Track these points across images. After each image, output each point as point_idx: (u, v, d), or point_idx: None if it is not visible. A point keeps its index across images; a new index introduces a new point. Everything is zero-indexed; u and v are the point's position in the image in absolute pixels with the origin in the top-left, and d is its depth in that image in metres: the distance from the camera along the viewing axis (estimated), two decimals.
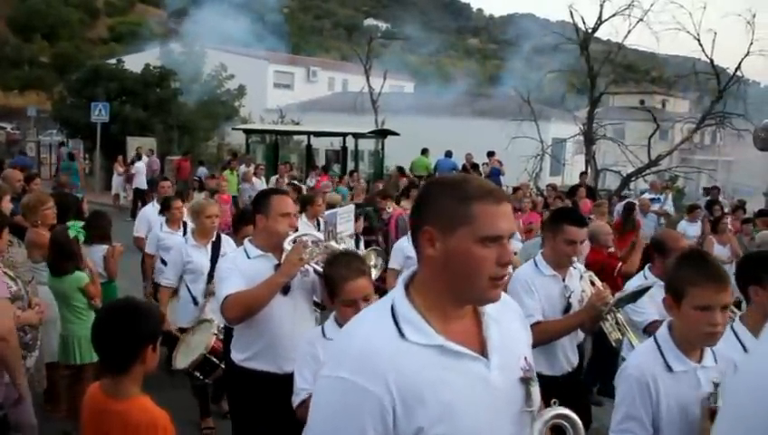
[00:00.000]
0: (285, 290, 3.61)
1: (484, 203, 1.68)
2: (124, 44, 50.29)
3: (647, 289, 3.94)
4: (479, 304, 1.78)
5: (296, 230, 3.85)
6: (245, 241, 3.88)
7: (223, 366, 4.74)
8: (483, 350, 1.73)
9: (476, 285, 1.69)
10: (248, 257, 3.72)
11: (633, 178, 19.11)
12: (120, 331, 2.51)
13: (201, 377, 5.05)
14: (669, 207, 14.39)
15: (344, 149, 21.52)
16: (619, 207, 12.11)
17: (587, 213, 11.82)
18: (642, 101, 20.31)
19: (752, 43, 17.45)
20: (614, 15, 18.98)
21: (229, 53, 35.97)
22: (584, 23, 19.30)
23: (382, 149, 21.26)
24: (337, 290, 3.05)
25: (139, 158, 20.56)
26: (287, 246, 3.63)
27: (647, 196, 14.42)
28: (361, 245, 7.51)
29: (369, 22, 40.14)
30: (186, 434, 5.18)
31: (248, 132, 22.06)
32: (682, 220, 12.31)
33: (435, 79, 43.82)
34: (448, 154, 19.39)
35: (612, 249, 7.34)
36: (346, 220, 4.03)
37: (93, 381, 2.77)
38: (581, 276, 4.08)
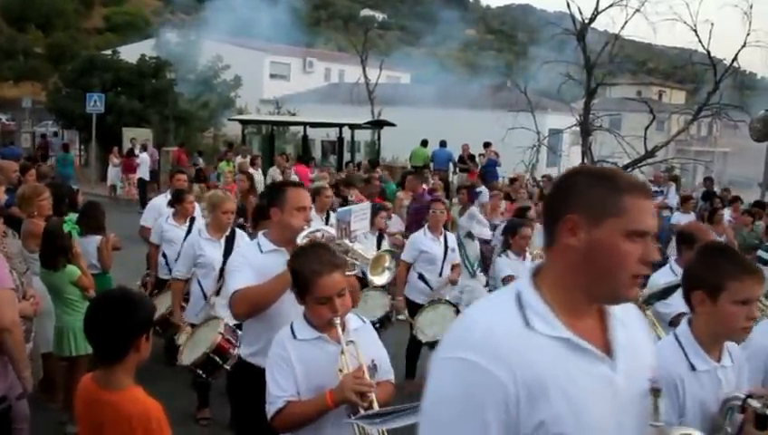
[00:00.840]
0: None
1: (636, 196, 1.63)
2: (120, 34, 50.06)
3: (679, 285, 3.89)
4: (614, 302, 1.70)
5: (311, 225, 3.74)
6: (259, 234, 3.80)
7: (227, 367, 4.74)
8: (608, 351, 1.65)
9: (617, 280, 1.62)
10: (261, 251, 3.62)
11: (629, 170, 19.10)
12: (114, 321, 2.51)
13: (203, 375, 4.98)
14: (672, 199, 14.31)
15: (340, 139, 21.52)
16: None
17: None
18: (639, 92, 20.28)
19: (748, 34, 17.42)
20: (611, 6, 18.92)
21: (225, 43, 35.83)
22: (581, 13, 19.24)
23: (378, 139, 21.25)
24: (309, 287, 2.82)
25: (144, 149, 20.54)
26: (300, 241, 3.49)
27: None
28: (384, 243, 7.42)
29: (366, 12, 39.95)
30: (182, 427, 5.23)
31: (244, 123, 22.01)
32: (676, 211, 12.33)
33: (431, 69, 43.71)
34: (443, 144, 19.38)
35: None
36: (361, 218, 3.80)
37: (88, 373, 2.76)
38: None
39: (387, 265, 3.50)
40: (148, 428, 2.45)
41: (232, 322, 4.94)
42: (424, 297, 6.59)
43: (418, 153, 19.42)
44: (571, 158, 24.09)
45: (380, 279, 3.57)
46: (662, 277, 4.29)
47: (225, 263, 5.11)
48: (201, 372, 4.95)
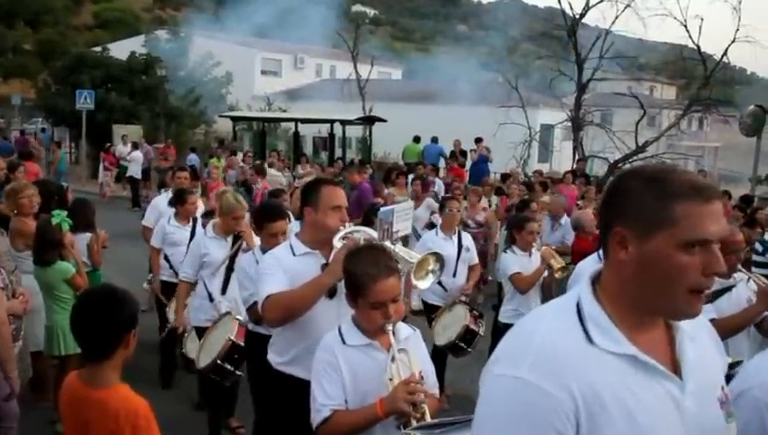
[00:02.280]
0: (331, 292, 3.24)
1: (690, 202, 1.45)
2: (109, 31, 49.79)
3: (728, 289, 3.85)
4: (673, 319, 1.57)
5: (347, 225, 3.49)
6: (292, 236, 3.57)
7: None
8: (675, 369, 1.52)
9: (674, 296, 1.47)
10: (293, 254, 3.40)
11: (620, 165, 19.17)
12: (103, 318, 2.49)
13: (232, 368, 4.67)
14: None
15: (332, 136, 21.47)
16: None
17: (573, 199, 11.86)
18: (630, 88, 20.32)
19: (738, 30, 17.49)
20: (601, 1, 18.97)
21: (216, 40, 35.69)
22: (572, 8, 19.28)
23: (370, 135, 21.22)
24: (363, 290, 2.67)
25: (135, 147, 20.42)
26: (337, 243, 3.27)
27: None
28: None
29: (357, 8, 39.93)
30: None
31: (235, 120, 21.95)
32: None
33: (422, 65, 43.69)
34: (434, 140, 19.38)
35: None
36: (403, 218, 3.63)
37: (73, 371, 2.74)
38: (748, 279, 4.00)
39: (431, 268, 3.31)
40: (136, 425, 2.43)
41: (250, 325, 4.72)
42: (439, 299, 6.36)
43: (411, 149, 19.40)
44: (563, 153, 24.16)
45: (424, 283, 3.35)
46: None
47: (231, 262, 5.18)
48: (229, 365, 4.67)
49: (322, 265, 3.31)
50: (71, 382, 2.62)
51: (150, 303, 7.54)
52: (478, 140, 18.84)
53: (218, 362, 4.61)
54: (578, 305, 1.53)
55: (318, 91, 34.26)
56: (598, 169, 20.51)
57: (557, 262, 5.68)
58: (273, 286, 3.23)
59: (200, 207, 7.04)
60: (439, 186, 12.51)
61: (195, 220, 6.68)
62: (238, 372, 4.69)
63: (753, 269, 7.05)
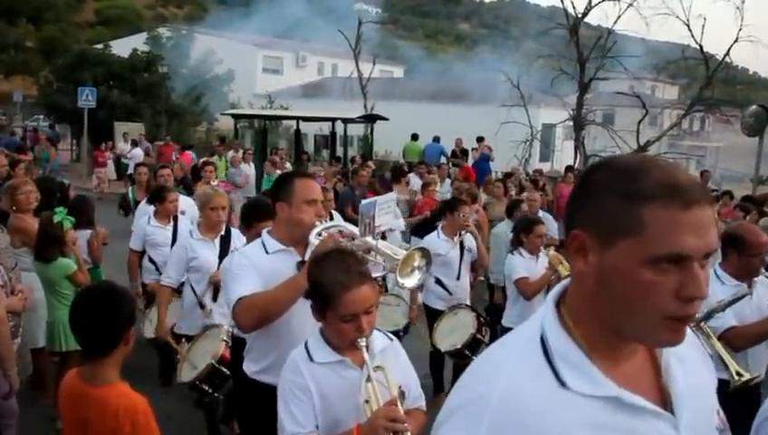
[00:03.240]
0: (308, 293, 2.97)
1: (663, 206, 1.15)
2: (111, 28, 49.82)
3: (742, 297, 3.72)
4: (648, 346, 1.29)
5: (323, 220, 3.27)
6: (264, 232, 3.32)
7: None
8: (664, 401, 1.26)
9: (644, 322, 1.18)
10: (266, 252, 3.16)
11: None
12: (103, 315, 2.49)
13: (210, 391, 4.47)
14: None
15: (333, 134, 21.43)
16: None
17: None
18: (632, 87, 20.31)
19: (741, 29, 17.47)
20: (604, 0, 18.96)
21: (218, 37, 35.73)
22: (574, 8, 19.27)
23: (371, 134, 21.18)
24: (332, 302, 2.38)
25: (135, 144, 20.39)
26: (314, 239, 3.06)
27: None
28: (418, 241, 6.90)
29: (360, 6, 39.91)
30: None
31: (237, 117, 21.92)
32: None
33: (424, 64, 43.69)
34: (436, 139, 19.37)
35: None
36: (385, 212, 3.22)
37: (72, 369, 2.73)
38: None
39: (417, 264, 2.99)
40: (136, 421, 2.42)
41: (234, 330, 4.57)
42: (443, 303, 6.14)
43: (412, 148, 19.38)
44: (564, 152, 24.15)
45: (411, 281, 3.01)
46: (717, 288, 3.81)
47: (220, 266, 4.84)
48: (207, 387, 4.44)
49: (298, 262, 3.11)
50: (70, 380, 2.61)
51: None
52: (480, 139, 18.84)
53: (197, 383, 4.42)
54: (542, 338, 1.25)
55: (320, 89, 34.28)
56: None
57: (565, 268, 5.40)
58: (246, 287, 2.99)
59: (180, 205, 6.69)
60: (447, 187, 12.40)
61: (176, 219, 6.43)
62: (217, 395, 4.48)
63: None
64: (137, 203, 8.03)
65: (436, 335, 5.93)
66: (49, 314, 5.25)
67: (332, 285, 2.38)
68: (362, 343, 2.40)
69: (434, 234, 6.36)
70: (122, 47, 28.94)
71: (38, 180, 6.64)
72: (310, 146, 24.47)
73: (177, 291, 5.73)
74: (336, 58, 40.05)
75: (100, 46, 29.16)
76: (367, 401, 2.38)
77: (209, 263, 5.03)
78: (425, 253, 3.03)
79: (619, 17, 20.42)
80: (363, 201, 3.24)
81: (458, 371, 5.95)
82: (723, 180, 26.21)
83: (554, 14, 21.88)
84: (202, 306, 5.05)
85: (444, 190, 12.00)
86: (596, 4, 19.02)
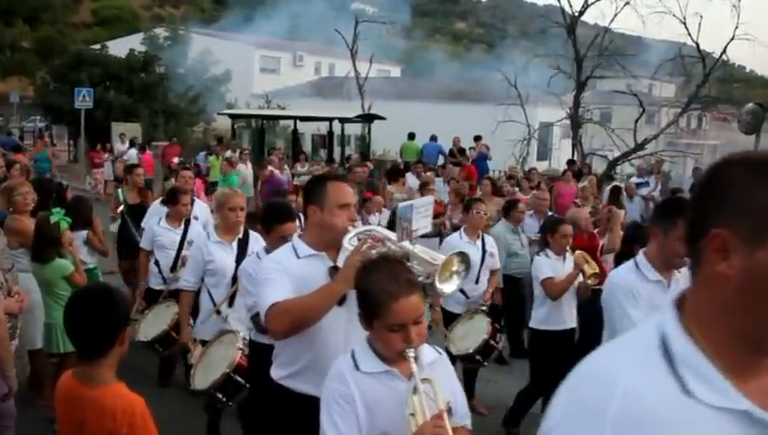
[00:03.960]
0: (341, 299, 2.92)
1: None
2: (108, 29, 49.75)
3: None
4: None
5: (356, 225, 3.16)
6: (294, 237, 3.25)
7: (248, 386, 4.34)
8: None
9: None
10: (297, 257, 3.07)
11: (619, 162, 19.18)
12: (98, 316, 2.47)
13: (224, 399, 4.42)
14: (658, 191, 14.36)
15: (330, 134, 21.44)
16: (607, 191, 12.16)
17: (572, 197, 11.88)
18: (629, 85, 20.34)
19: (737, 27, 17.50)
20: None
21: (215, 37, 35.70)
22: (571, 6, 19.29)
23: (369, 133, 21.19)
24: (381, 311, 2.32)
25: (132, 144, 20.34)
26: (347, 244, 2.97)
27: (634, 180, 14.44)
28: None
29: (357, 5, 39.89)
30: None
31: (234, 117, 21.93)
32: None
33: (422, 63, 43.69)
34: (433, 138, 19.38)
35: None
36: (423, 215, 3.09)
37: (68, 371, 2.72)
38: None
39: (455, 268, 2.89)
40: (133, 423, 2.41)
41: (248, 335, 4.52)
42: (461, 307, 6.02)
43: (410, 148, 19.38)
44: (562, 151, 24.16)
45: (450, 287, 2.91)
46: None
47: (237, 269, 4.77)
48: (221, 395, 4.40)
49: (330, 268, 3.03)
50: (66, 381, 2.60)
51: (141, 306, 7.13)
52: (477, 138, 18.86)
53: (211, 391, 4.38)
54: (663, 342, 1.16)
55: (317, 88, 34.27)
56: (597, 166, 20.52)
57: (590, 267, 5.38)
58: (278, 293, 2.89)
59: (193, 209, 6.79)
60: (438, 185, 12.45)
61: (187, 223, 6.34)
62: (230, 404, 4.46)
63: None
64: (128, 204, 8.01)
65: (450, 338, 5.85)
66: (46, 316, 5.25)
67: (380, 294, 2.32)
68: (411, 353, 2.32)
69: (456, 235, 6.24)
70: (119, 47, 28.91)
71: (35, 181, 6.63)
72: (307, 146, 24.46)
73: (174, 294, 5.74)
74: (333, 58, 40.04)
75: (96, 47, 29.12)
76: (412, 415, 2.29)
77: (226, 266, 4.93)
78: (463, 257, 2.94)
79: (615, 15, 20.52)
80: (400, 204, 3.15)
81: (468, 375, 5.89)
82: None
83: (551, 13, 21.88)
84: (218, 312, 4.94)
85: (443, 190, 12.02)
86: (592, 3, 19.05)
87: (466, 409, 2.54)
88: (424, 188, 10.34)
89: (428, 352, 2.48)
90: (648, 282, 3.41)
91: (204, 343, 4.85)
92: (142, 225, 7.22)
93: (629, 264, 3.54)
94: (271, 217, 4.27)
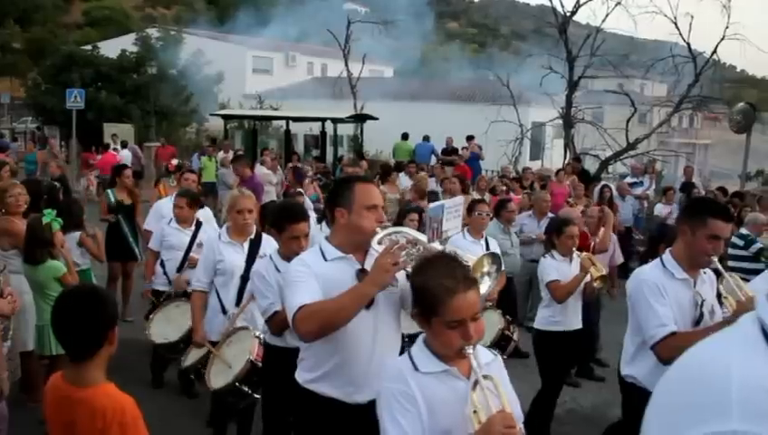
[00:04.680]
0: (368, 302, 2.91)
1: None
2: (100, 30, 49.57)
3: None
4: None
5: (384, 226, 3.10)
6: (321, 239, 3.21)
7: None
8: None
9: None
10: (325, 260, 3.04)
11: (611, 162, 19.25)
12: (87, 316, 2.47)
13: (249, 392, 4.35)
14: (650, 189, 14.39)
15: (323, 134, 21.43)
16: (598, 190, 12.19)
17: (565, 196, 11.90)
18: (621, 85, 20.42)
19: (727, 27, 17.57)
20: None
21: (207, 38, 35.63)
22: (563, 6, 19.35)
23: (361, 133, 21.19)
24: (439, 307, 2.29)
25: (124, 145, 20.24)
26: (375, 246, 2.93)
27: (628, 179, 14.47)
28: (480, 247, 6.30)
29: (349, 6, 39.91)
30: None
31: (227, 118, 21.89)
32: (658, 203, 12.43)
33: (414, 63, 43.71)
34: (426, 139, 19.41)
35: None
36: (454, 216, 3.16)
37: (57, 372, 2.72)
38: (722, 279, 3.57)
39: (486, 269, 2.82)
40: (123, 422, 2.41)
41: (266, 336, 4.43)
42: None
43: (402, 148, 19.40)
44: (554, 150, 24.22)
45: (482, 288, 2.77)
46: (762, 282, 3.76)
47: (247, 270, 4.75)
48: (247, 388, 4.34)
49: (357, 270, 3.01)
50: (55, 383, 2.59)
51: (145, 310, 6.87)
52: (470, 138, 18.89)
53: (237, 384, 4.31)
54: (765, 332, 1.20)
55: (309, 89, 34.25)
56: (590, 166, 20.58)
57: (597, 270, 5.33)
58: (306, 296, 2.86)
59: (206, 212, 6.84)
60: (431, 184, 12.49)
61: (199, 224, 6.31)
62: (256, 395, 4.39)
63: (731, 263, 7.12)
64: (119, 204, 8.12)
65: None
66: (38, 318, 5.23)
67: (438, 290, 2.30)
68: (470, 350, 2.31)
69: (459, 235, 6.08)
70: (111, 48, 28.82)
71: (26, 183, 6.60)
72: (300, 146, 24.45)
73: (165, 295, 5.75)
74: (325, 58, 40.04)
75: (88, 47, 29.02)
76: (475, 412, 2.25)
77: (235, 266, 4.88)
78: (495, 258, 2.90)
79: (607, 15, 20.55)
80: (431, 205, 3.19)
81: None
82: (712, 177, 26.37)
83: (543, 13, 21.94)
84: (224, 312, 4.90)
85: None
86: (584, 3, 19.08)
87: (520, 413, 2.47)
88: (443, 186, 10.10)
89: (485, 353, 2.49)
90: (674, 280, 3.42)
91: (213, 343, 4.79)
92: (145, 226, 7.29)
93: (656, 262, 3.53)
94: (283, 217, 4.17)
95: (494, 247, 6.17)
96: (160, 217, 6.85)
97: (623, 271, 8.24)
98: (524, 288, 8.36)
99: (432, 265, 2.44)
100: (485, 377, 2.30)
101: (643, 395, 3.22)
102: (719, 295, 3.66)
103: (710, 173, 30.15)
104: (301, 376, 3.14)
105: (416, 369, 2.35)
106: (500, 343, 5.55)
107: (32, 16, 51.90)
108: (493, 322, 5.67)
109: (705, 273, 3.52)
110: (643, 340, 3.43)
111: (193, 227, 6.23)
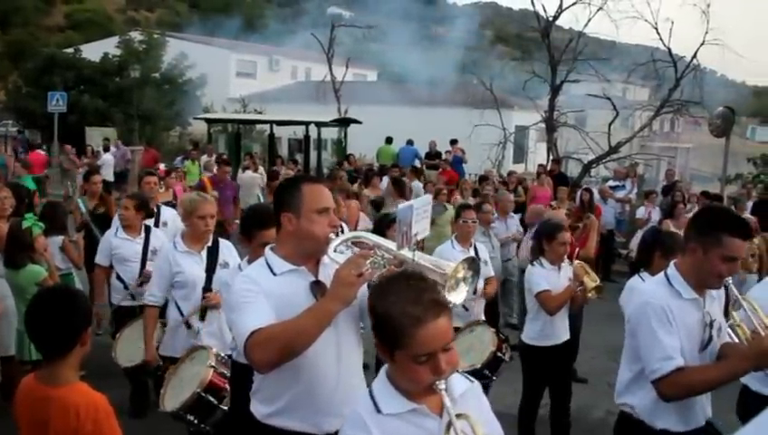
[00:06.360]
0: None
1: None
2: (82, 32, 49.20)
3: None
4: None
5: (338, 233, 2.73)
6: (267, 250, 2.82)
7: (223, 407, 4.00)
8: None
9: None
10: (273, 274, 2.67)
11: (594, 165, 19.39)
12: (60, 316, 2.48)
13: (196, 422, 4.02)
14: (632, 193, 14.52)
15: (307, 138, 21.43)
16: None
17: (547, 200, 11.98)
18: (604, 89, 20.59)
19: (707, 33, 17.79)
20: (574, 4, 19.18)
21: (190, 41, 35.49)
22: (545, 11, 19.47)
23: (345, 137, 21.21)
24: (403, 339, 1.95)
25: (106, 149, 20.07)
26: (332, 255, 2.60)
27: (610, 183, 14.60)
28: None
29: (333, 10, 39.94)
30: None
31: (210, 122, 21.82)
32: (641, 206, 12.55)
33: (398, 67, 43.75)
34: (410, 142, 19.48)
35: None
36: (423, 216, 2.71)
37: (29, 374, 2.72)
38: (734, 299, 3.15)
39: (461, 275, 2.51)
40: (97, 419, 2.42)
41: (224, 351, 4.26)
42: (459, 320, 5.42)
43: (386, 151, 19.44)
44: (538, 154, 24.36)
45: (459, 296, 2.53)
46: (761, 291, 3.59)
47: (208, 280, 4.56)
48: (193, 417, 4.00)
49: (311, 283, 2.68)
50: (28, 384, 2.61)
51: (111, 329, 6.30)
52: (453, 142, 18.95)
53: (180, 413, 4.00)
54: None
55: (293, 92, 34.20)
56: (572, 170, 20.71)
57: (591, 279, 5.04)
58: (258, 319, 2.50)
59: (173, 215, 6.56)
60: (417, 188, 12.52)
61: (148, 230, 5.86)
62: (223, 406, 4.03)
63: None
64: (91, 214, 7.61)
65: None
66: (19, 322, 5.19)
67: (402, 319, 1.94)
68: (441, 385, 1.97)
69: (447, 244, 5.89)
70: (93, 51, 28.64)
71: (8, 186, 6.56)
72: (284, 150, 24.42)
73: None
74: (309, 62, 40.00)
75: (70, 50, 28.82)
76: None
77: (195, 277, 4.59)
78: (472, 263, 2.58)
79: (589, 20, 20.71)
80: (399, 206, 2.74)
81: None
82: (692, 180, 26.63)
83: (526, 18, 22.09)
84: (188, 326, 4.61)
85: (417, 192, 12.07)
86: (566, 8, 19.23)
87: None
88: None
89: (459, 382, 2.14)
90: (681, 300, 2.97)
91: (174, 360, 4.49)
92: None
93: (660, 278, 3.11)
94: (251, 223, 3.86)
95: (483, 255, 5.96)
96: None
97: (606, 272, 8.31)
98: (499, 290, 8.41)
99: (394, 287, 2.04)
100: (459, 416, 1.97)
101: (640, 429, 3.04)
102: (726, 313, 3.26)
103: (691, 176, 30.44)
104: (257, 410, 2.75)
105: (378, 411, 2.02)
106: (490, 364, 5.16)
107: (12, 19, 51.31)
108: (485, 341, 5.29)
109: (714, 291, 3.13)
110: (643, 368, 3.00)
111: (142, 235, 5.80)
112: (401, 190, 9.97)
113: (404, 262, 2.52)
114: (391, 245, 2.60)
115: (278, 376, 2.59)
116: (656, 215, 11.74)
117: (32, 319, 2.53)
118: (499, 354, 5.19)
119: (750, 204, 12.15)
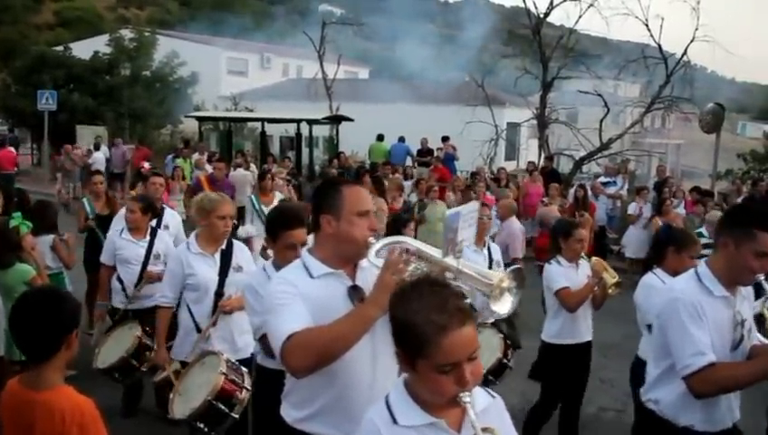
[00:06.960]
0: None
1: None
2: (72, 30, 48.96)
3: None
4: None
5: (378, 236, 2.69)
6: (303, 252, 2.79)
7: (234, 415, 3.96)
8: None
9: None
10: (311, 276, 2.62)
11: (585, 162, 19.44)
12: (45, 319, 2.43)
13: (206, 429, 3.98)
14: (623, 189, 14.57)
15: (298, 135, 21.38)
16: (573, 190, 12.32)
17: (539, 197, 12.01)
18: (595, 86, 20.65)
19: (697, 29, 17.84)
20: (565, 0, 19.22)
21: (181, 39, 35.36)
22: (536, 8, 19.50)
23: (337, 135, 21.18)
24: (427, 348, 1.86)
25: (97, 148, 19.91)
26: (373, 259, 2.56)
27: (602, 179, 14.64)
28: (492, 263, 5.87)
29: (324, 7, 39.93)
30: None
31: (201, 120, 21.74)
32: (632, 202, 12.60)
33: (389, 64, 43.72)
34: (401, 139, 19.47)
35: None
36: (469, 223, 2.62)
37: (13, 377, 2.68)
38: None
39: (506, 285, 2.47)
40: (83, 423, 2.39)
41: (234, 356, 4.25)
42: None
43: (378, 149, 19.43)
44: (530, 151, 24.40)
45: (503, 306, 2.49)
46: None
47: (221, 284, 4.47)
48: (203, 425, 3.95)
49: (348, 288, 2.63)
50: (12, 387, 2.56)
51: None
52: (445, 139, 18.97)
53: (212, 401, 3.95)
54: None
55: (285, 90, 34.12)
56: (564, 166, 20.75)
57: (610, 275, 4.97)
58: (295, 322, 2.45)
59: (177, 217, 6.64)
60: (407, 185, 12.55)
61: (153, 232, 5.81)
62: (234, 414, 3.98)
63: None
64: (97, 215, 7.58)
65: None
66: (7, 322, 5.15)
67: (425, 327, 1.86)
68: (466, 398, 1.88)
69: None
70: (83, 49, 28.49)
71: None
72: (275, 148, 24.35)
73: (137, 314, 5.39)
74: (301, 59, 39.93)
75: (60, 48, 28.66)
76: None
77: (208, 281, 4.47)
78: (517, 273, 2.52)
79: (580, 17, 20.72)
80: (448, 212, 2.63)
81: None
82: (683, 176, 26.74)
83: (517, 15, 22.08)
84: (199, 329, 4.50)
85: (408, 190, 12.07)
86: (557, 5, 19.24)
87: None
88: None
89: (481, 397, 2.03)
90: (712, 298, 2.93)
91: (183, 364, 4.43)
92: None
93: (690, 275, 3.05)
94: (277, 223, 3.74)
95: (496, 255, 5.89)
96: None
97: None
98: None
99: (416, 293, 1.95)
100: (485, 430, 1.89)
101: (662, 427, 3.04)
102: (758, 317, 3.29)
103: (682, 172, 30.57)
104: (289, 414, 2.71)
105: (394, 421, 1.94)
106: (495, 370, 5.13)
107: (0, 17, 51.04)
108: (492, 347, 5.19)
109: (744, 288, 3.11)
110: (671, 364, 2.97)
111: (148, 237, 5.74)
112: (381, 189, 9.98)
113: (448, 270, 2.47)
114: (434, 251, 2.55)
115: (311, 380, 2.53)
116: (647, 211, 11.79)
117: (16, 321, 2.48)
118: (504, 361, 5.16)
119: (740, 200, 12.21)
